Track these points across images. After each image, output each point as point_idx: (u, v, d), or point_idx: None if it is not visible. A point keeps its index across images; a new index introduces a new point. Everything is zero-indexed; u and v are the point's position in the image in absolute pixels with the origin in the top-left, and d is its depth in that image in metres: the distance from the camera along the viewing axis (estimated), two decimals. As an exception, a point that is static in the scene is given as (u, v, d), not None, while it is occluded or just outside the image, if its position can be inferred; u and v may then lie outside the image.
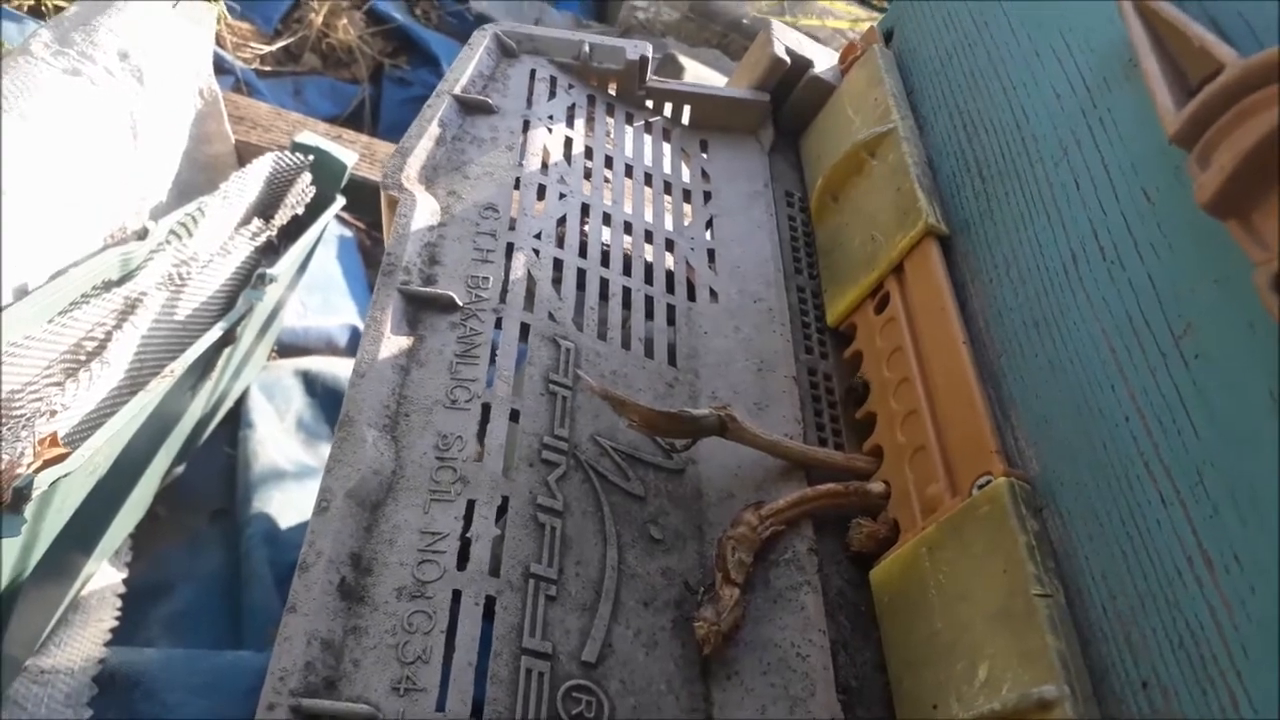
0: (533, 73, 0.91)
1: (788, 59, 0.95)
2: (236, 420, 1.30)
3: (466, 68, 0.88)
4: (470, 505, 0.58)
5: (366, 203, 1.42)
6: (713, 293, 0.82)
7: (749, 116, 0.97)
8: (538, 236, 0.77)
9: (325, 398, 1.43)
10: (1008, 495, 0.57)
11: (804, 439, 0.73)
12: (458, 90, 0.85)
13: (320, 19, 2.44)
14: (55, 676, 0.82)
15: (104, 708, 0.81)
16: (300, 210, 1.21)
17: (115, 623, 0.92)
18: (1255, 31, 0.56)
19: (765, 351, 0.78)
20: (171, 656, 0.89)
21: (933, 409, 0.67)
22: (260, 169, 1.18)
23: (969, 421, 0.63)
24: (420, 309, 0.68)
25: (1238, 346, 0.49)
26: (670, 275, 0.82)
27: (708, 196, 0.91)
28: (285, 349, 1.50)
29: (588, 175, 0.85)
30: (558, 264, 0.76)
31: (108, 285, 0.91)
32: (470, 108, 0.85)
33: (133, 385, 0.88)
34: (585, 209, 0.82)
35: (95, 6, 1.17)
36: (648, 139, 0.94)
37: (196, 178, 1.32)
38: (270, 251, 1.24)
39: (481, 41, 0.91)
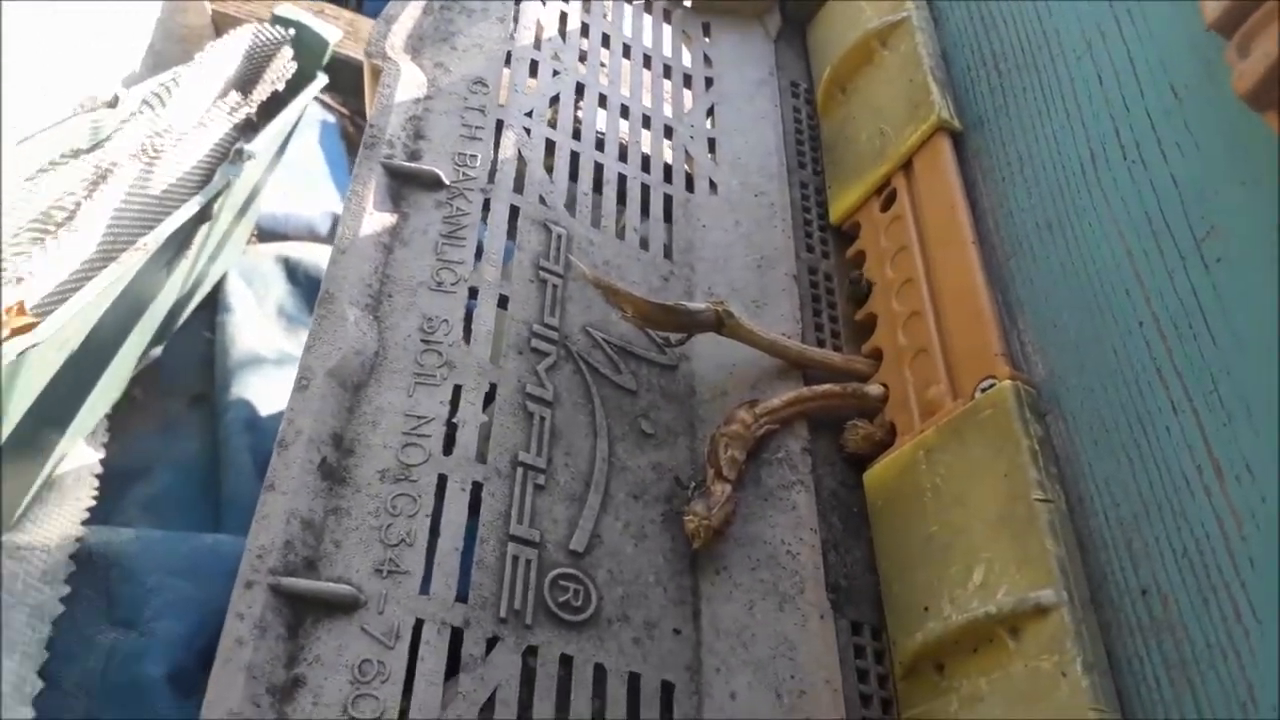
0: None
1: (799, -58, 0.90)
2: (215, 305, 1.27)
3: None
4: (457, 390, 0.56)
5: (349, 84, 1.36)
6: (712, 184, 0.78)
7: (755, 1, 0.92)
8: (529, 115, 0.73)
9: (307, 285, 1.39)
10: (1012, 399, 0.56)
11: (802, 339, 0.70)
12: (443, -49, 0.80)
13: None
14: (31, 553, 0.81)
15: (81, 585, 0.80)
16: (280, 87, 1.15)
17: (92, 502, 0.90)
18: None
19: (765, 247, 0.75)
20: (150, 538, 0.87)
21: (937, 311, 0.65)
22: (238, 41, 1.12)
23: (974, 324, 0.61)
24: (404, 185, 0.65)
25: (1263, 251, 0.47)
26: (668, 164, 0.78)
27: (709, 83, 0.87)
28: (265, 234, 1.45)
29: (583, 55, 0.81)
30: (550, 146, 0.73)
31: (77, 154, 0.87)
32: (453, -30, 0.80)
33: (105, 259, 0.84)
34: (580, 89, 0.78)
35: None
36: (647, 18, 0.89)
37: (172, 49, 1.25)
38: (249, 129, 1.18)
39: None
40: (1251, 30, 0.45)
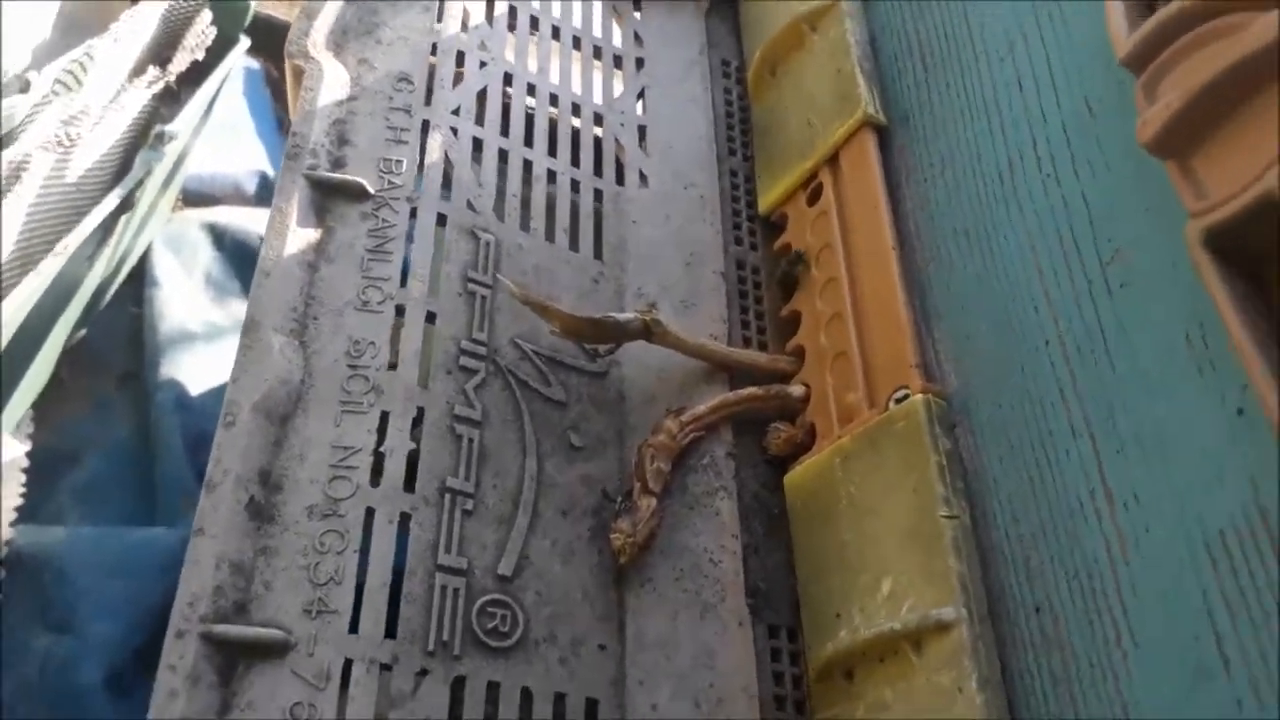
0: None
1: (728, -89, 0.89)
2: (141, 278, 1.24)
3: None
4: (384, 417, 0.57)
5: (274, 44, 1.32)
6: (643, 176, 0.78)
7: (684, -27, 0.91)
8: (455, 112, 0.72)
9: (235, 251, 1.37)
10: (923, 413, 0.58)
11: (729, 337, 0.72)
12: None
13: None
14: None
15: (13, 589, 0.80)
16: (200, 56, 1.12)
17: (20, 500, 0.89)
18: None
19: (695, 243, 0.75)
20: (80, 535, 0.87)
21: (857, 314, 0.67)
22: (154, 7, 1.08)
23: (891, 331, 0.63)
24: (329, 196, 0.64)
25: (1161, 282, 0.49)
26: (599, 155, 0.78)
27: (640, 63, 0.86)
28: (190, 197, 1.42)
29: (511, 41, 0.80)
30: (477, 143, 0.72)
31: (-14, 143, 0.84)
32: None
33: (23, 258, 0.82)
34: (509, 79, 0.77)
35: None
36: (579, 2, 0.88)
37: (83, 16, 1.20)
38: (169, 99, 1.15)
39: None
40: (1159, 71, 0.46)
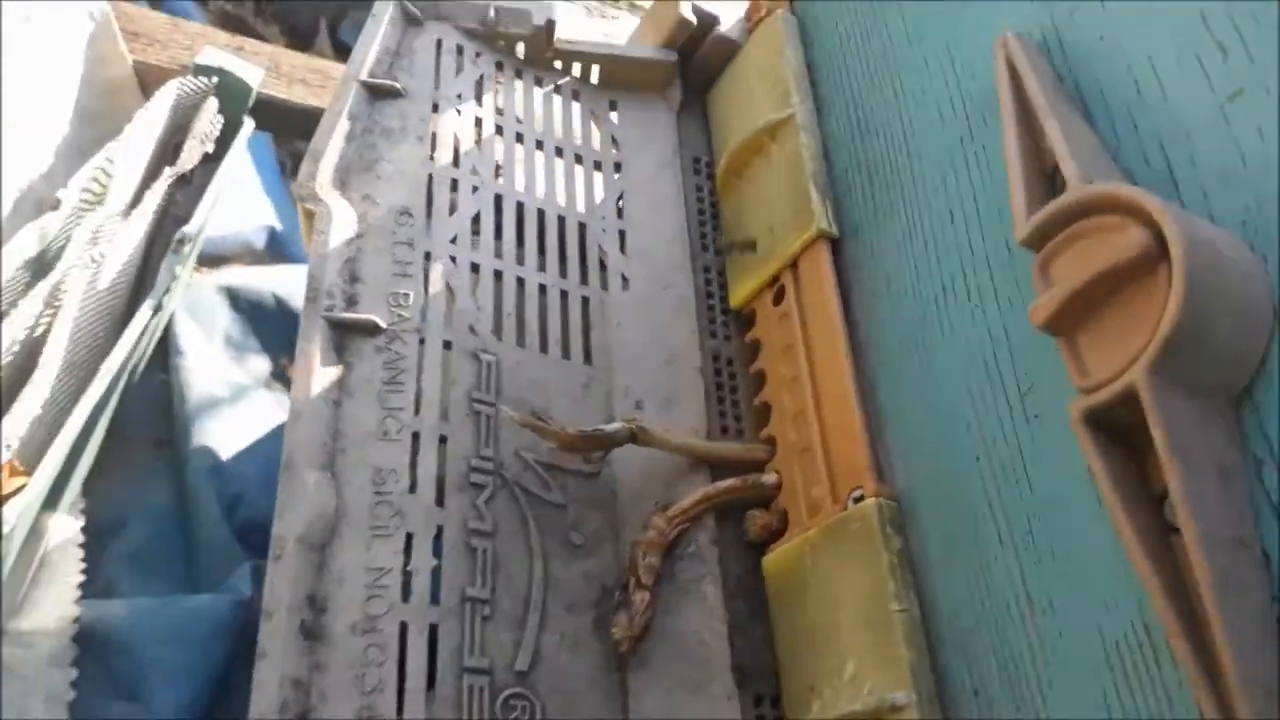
0: (439, 43, 0.91)
1: (694, 19, 0.97)
2: (166, 345, 1.33)
3: (372, 45, 0.88)
4: (409, 538, 0.66)
5: (277, 120, 1.40)
6: (624, 279, 0.87)
7: (656, 75, 0.99)
8: (453, 241, 0.81)
9: (249, 310, 1.45)
10: (875, 516, 0.67)
11: (709, 429, 0.81)
12: (364, 74, 0.85)
13: None
14: (35, 638, 0.90)
15: (85, 665, 0.90)
16: (210, 147, 1.20)
17: (82, 577, 0.99)
18: (1110, 109, 0.61)
19: (673, 343, 0.84)
20: (138, 607, 0.96)
21: (818, 412, 0.76)
22: (163, 101, 1.16)
23: (847, 433, 0.72)
24: (345, 335, 0.73)
25: (1065, 420, 0.58)
26: (584, 263, 0.87)
27: (618, 167, 0.94)
28: (204, 258, 1.50)
29: (499, 163, 0.88)
30: (475, 267, 0.81)
31: (28, 265, 0.92)
32: (378, 93, 0.86)
33: (68, 366, 0.91)
34: (499, 200, 0.85)
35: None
36: (557, 103, 0.96)
37: (96, 104, 1.28)
38: (182, 183, 1.23)
39: (385, 11, 0.90)
40: (1050, 255, 0.55)
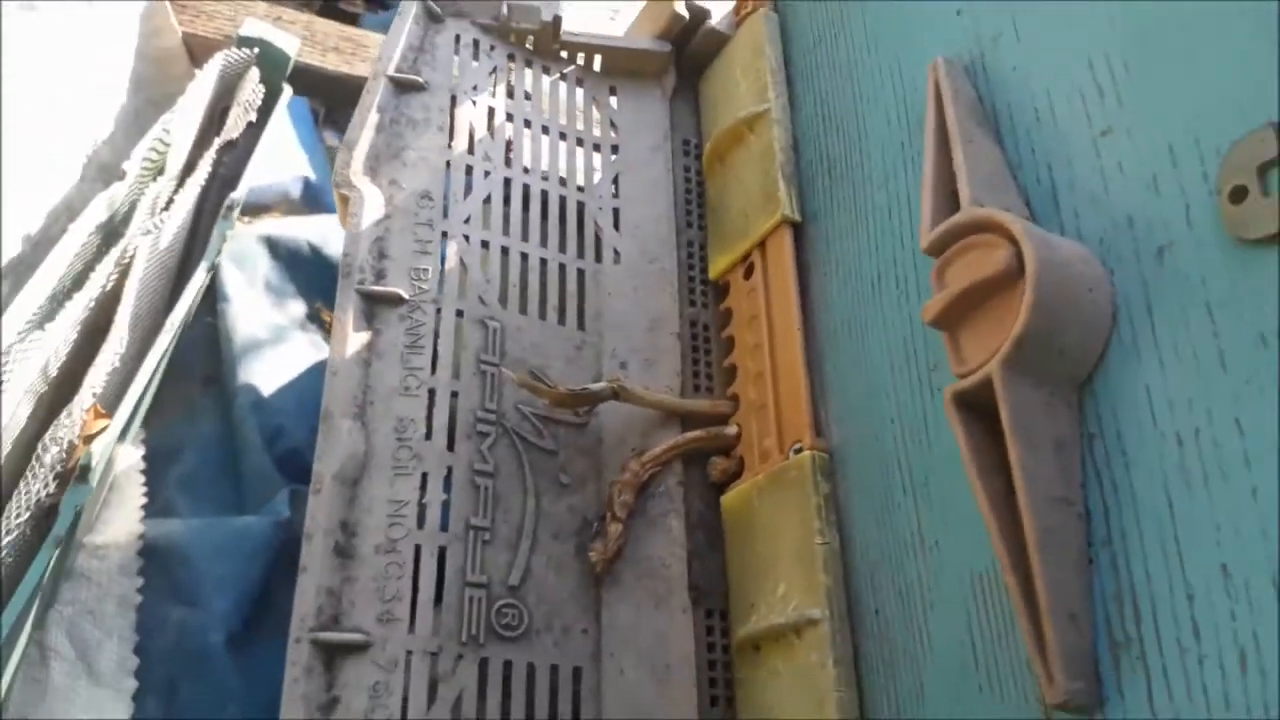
0: (457, 38, 1.03)
1: (686, 14, 1.07)
2: (213, 291, 1.47)
3: (398, 41, 0.99)
4: (424, 477, 0.80)
5: (311, 85, 1.51)
6: (616, 254, 1.00)
7: (652, 64, 1.10)
8: (467, 221, 0.94)
9: (287, 257, 1.59)
10: (809, 466, 0.80)
11: (683, 387, 0.94)
12: (391, 70, 0.97)
13: None
14: (107, 550, 1.06)
15: (151, 574, 1.06)
16: (253, 116, 1.32)
17: (145, 499, 1.14)
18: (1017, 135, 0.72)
19: (656, 310, 0.97)
20: (193, 526, 1.12)
21: (774, 375, 0.88)
22: (210, 72, 1.28)
23: (795, 395, 0.85)
24: (374, 304, 0.86)
25: (961, 390, 0.70)
26: (581, 238, 0.99)
27: (615, 149, 1.06)
28: (246, 208, 1.63)
29: (509, 147, 1.00)
30: (485, 244, 0.93)
31: (99, 229, 1.06)
32: (403, 87, 0.98)
33: (134, 321, 1.05)
34: (507, 183, 0.98)
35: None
36: (563, 90, 1.07)
37: (148, 71, 1.40)
38: (229, 147, 1.36)
39: (410, 10, 1.01)
40: (944, 264, 0.67)
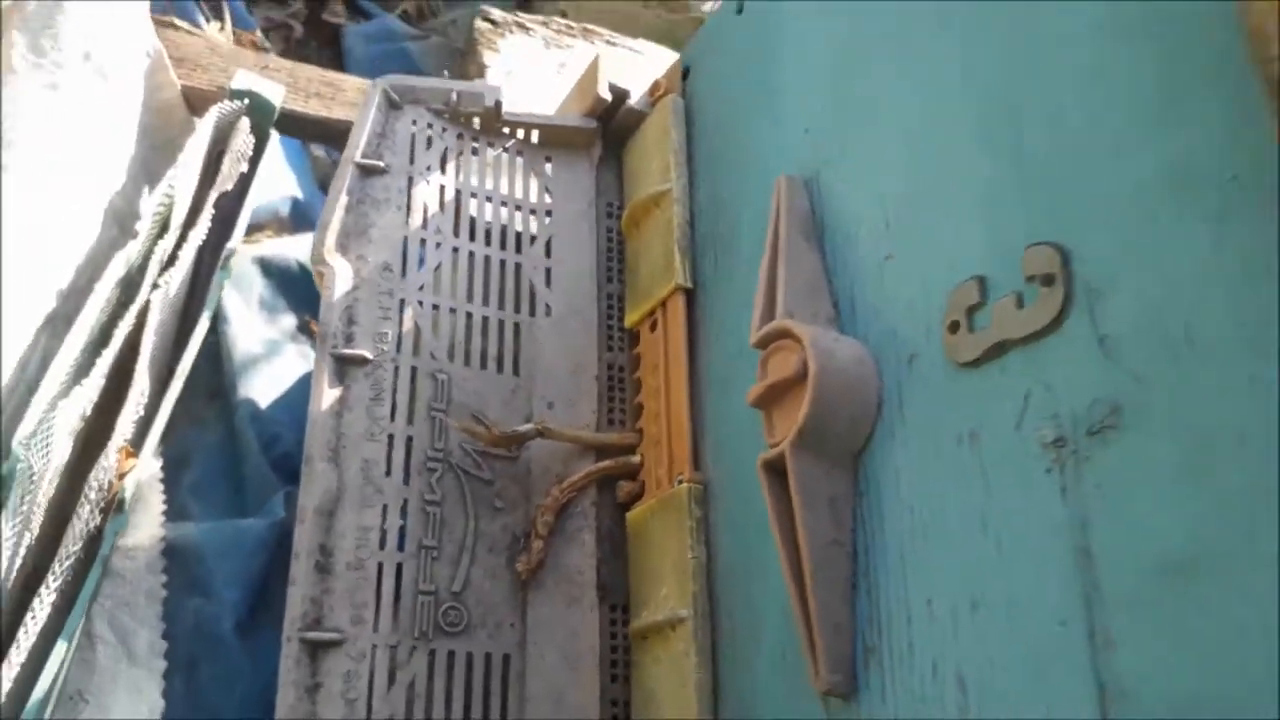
0: (414, 123, 1.23)
1: (609, 96, 1.26)
2: (215, 313, 1.68)
3: (364, 129, 1.19)
4: (385, 508, 1.02)
5: (295, 127, 1.71)
6: (547, 308, 1.21)
7: (581, 138, 1.30)
8: (421, 288, 1.15)
9: (279, 276, 1.79)
10: (687, 494, 1.02)
11: (599, 422, 1.16)
12: (358, 157, 1.17)
13: None
14: (136, 551, 1.29)
15: (172, 571, 1.29)
16: (245, 167, 1.52)
17: (164, 506, 1.37)
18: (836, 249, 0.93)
19: (579, 357, 1.18)
20: (204, 528, 1.35)
21: (668, 416, 1.10)
22: (206, 124, 1.48)
23: (680, 434, 1.07)
24: (345, 365, 1.08)
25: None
26: (518, 297, 1.20)
27: (549, 213, 1.27)
28: (239, 228, 1.82)
29: (457, 219, 1.20)
30: (435, 307, 1.14)
31: (119, 284, 1.27)
32: (368, 171, 1.18)
33: (151, 364, 1.26)
34: (455, 251, 1.19)
35: (50, 4, 1.41)
36: (505, 161, 1.27)
37: (152, 121, 1.59)
38: (223, 194, 1.56)
39: (374, 98, 1.21)
40: (765, 358, 0.88)
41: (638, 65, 1.32)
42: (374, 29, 2.49)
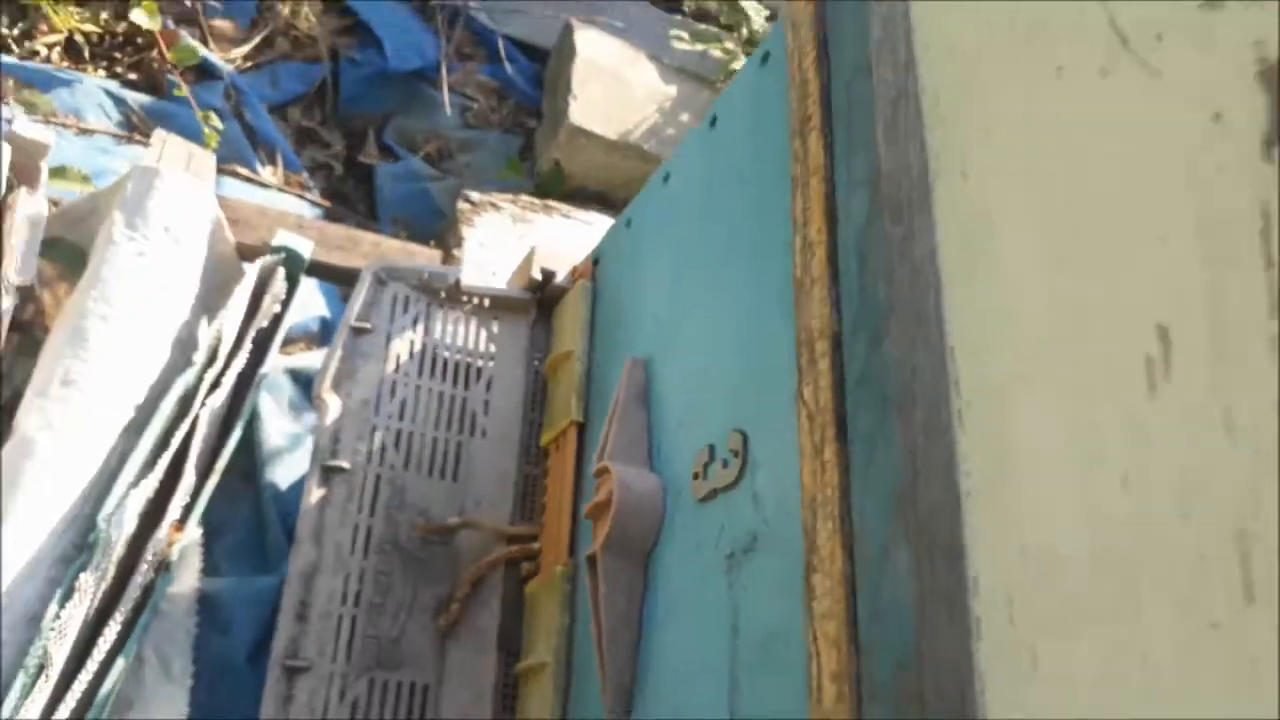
0: (394, 295, 1.69)
1: (540, 275, 1.72)
2: (252, 411, 2.15)
3: (359, 300, 1.66)
4: (347, 576, 1.46)
5: (321, 273, 2.19)
6: (484, 431, 1.65)
7: (520, 305, 1.76)
8: (390, 416, 1.60)
9: (304, 383, 2.26)
10: (560, 576, 1.44)
11: (513, 517, 1.59)
12: (353, 321, 1.64)
13: (287, 8, 3.05)
14: (178, 599, 1.73)
15: (203, 615, 1.73)
16: (279, 308, 2.00)
17: (201, 563, 1.82)
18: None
19: (504, 468, 1.62)
20: (230, 583, 1.80)
21: (558, 517, 1.53)
22: (251, 273, 1.96)
23: (562, 531, 1.49)
24: (329, 473, 1.52)
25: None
26: (462, 423, 1.65)
27: (492, 358, 1.72)
28: (278, 343, 2.30)
29: (420, 364, 1.66)
30: (398, 432, 1.59)
31: (178, 403, 1.74)
32: (358, 332, 1.64)
33: (196, 468, 1.72)
34: (418, 389, 1.64)
35: (142, 188, 1.91)
36: (462, 320, 1.73)
37: (211, 267, 2.08)
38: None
39: (368, 277, 1.68)
40: (600, 483, 1.30)
41: (585, 235, 1.78)
42: (401, 170, 3.01)
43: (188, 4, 2.89)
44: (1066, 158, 0.76)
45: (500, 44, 3.24)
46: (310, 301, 2.41)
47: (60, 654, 1.33)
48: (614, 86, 2.92)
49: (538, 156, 2.98)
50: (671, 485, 1.26)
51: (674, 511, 1.23)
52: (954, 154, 0.89)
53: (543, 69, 3.24)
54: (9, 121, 2.14)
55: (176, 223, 1.90)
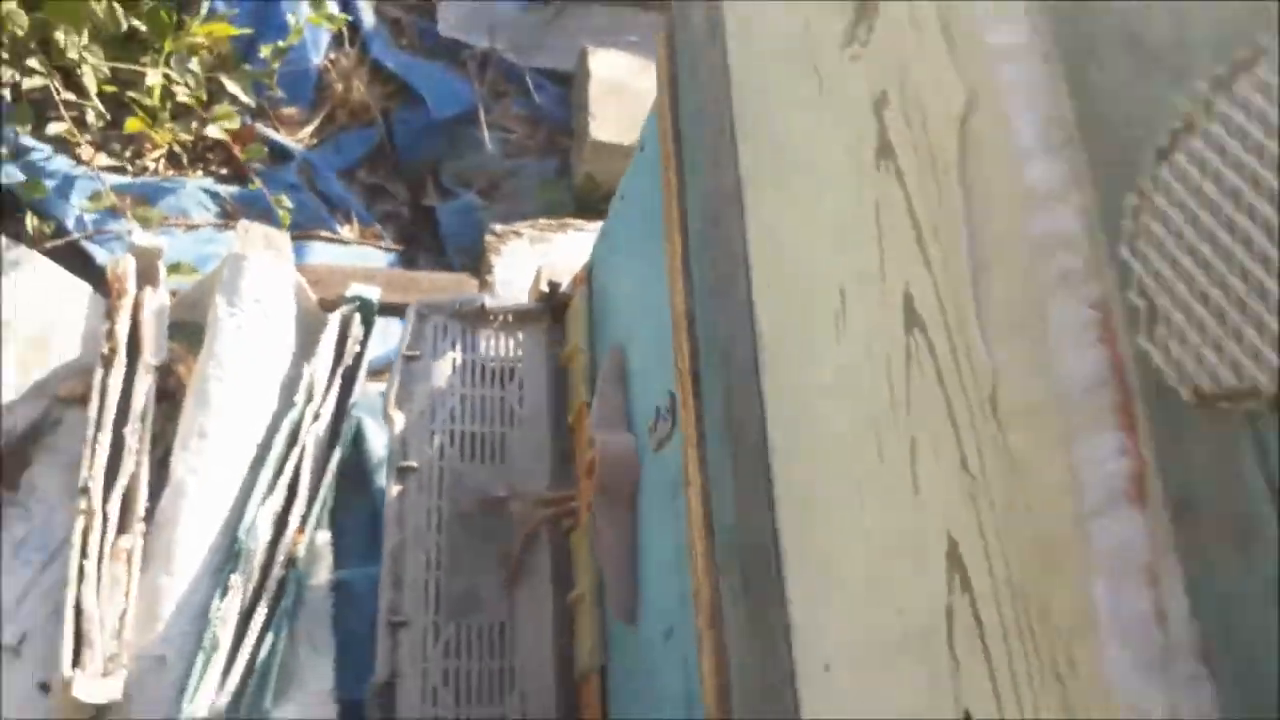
0: (435, 324, 2.10)
1: (548, 289, 2.10)
2: (357, 430, 2.62)
3: (408, 332, 2.07)
4: (427, 550, 1.88)
5: (390, 311, 2.63)
6: (520, 421, 2.04)
7: (536, 315, 2.14)
8: (443, 421, 2.01)
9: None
10: (590, 526, 1.82)
11: (550, 485, 1.97)
12: (404, 350, 2.06)
13: (341, 85, 3.52)
14: (317, 588, 2.19)
15: (337, 599, 2.19)
16: (359, 347, 2.44)
17: (331, 558, 2.28)
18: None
19: (539, 447, 2.01)
20: (352, 574, 2.25)
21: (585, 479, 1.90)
22: (333, 323, 2.41)
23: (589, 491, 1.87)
24: (403, 472, 1.94)
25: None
26: (501, 416, 2.04)
27: (520, 362, 2.11)
28: (369, 370, 2.77)
29: (464, 376, 2.06)
30: (451, 433, 2.00)
31: (288, 433, 2.20)
32: (409, 359, 2.06)
33: (309, 486, 2.18)
34: (464, 399, 2.04)
35: (233, 272, 2.37)
36: (492, 336, 2.12)
37: (302, 320, 2.54)
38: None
39: (412, 315, 2.09)
40: (591, 445, 1.67)
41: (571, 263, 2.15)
42: (458, 206, 3.43)
43: (257, 102, 3.39)
44: (791, 152, 1.09)
45: (528, 77, 3.62)
46: (390, 333, 2.86)
47: (225, 636, 1.80)
48: (628, 98, 3.26)
49: (573, 172, 3.36)
50: (643, 442, 1.61)
51: (647, 463, 1.59)
52: (759, 168, 1.22)
53: (569, 92, 3.61)
54: (129, 234, 2.67)
55: (264, 294, 2.36)
